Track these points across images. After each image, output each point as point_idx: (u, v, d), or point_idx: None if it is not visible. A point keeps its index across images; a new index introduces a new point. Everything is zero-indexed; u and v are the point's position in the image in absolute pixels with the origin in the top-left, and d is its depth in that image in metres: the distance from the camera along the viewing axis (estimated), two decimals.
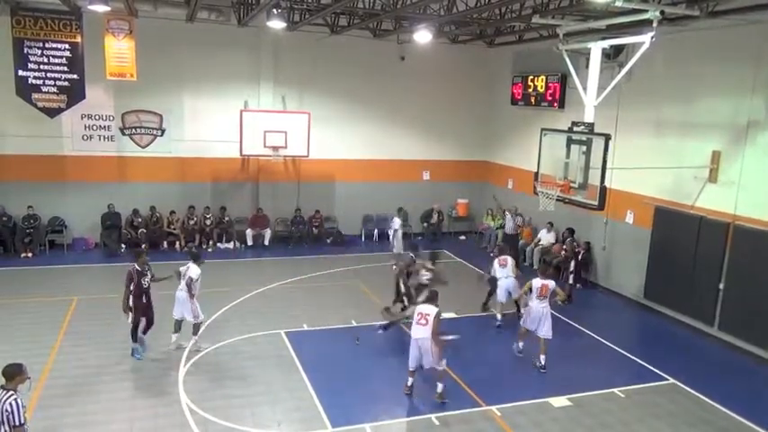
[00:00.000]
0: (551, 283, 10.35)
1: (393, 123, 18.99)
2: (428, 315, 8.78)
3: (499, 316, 12.17)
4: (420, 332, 8.77)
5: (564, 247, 15.25)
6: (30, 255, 15.43)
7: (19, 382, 5.78)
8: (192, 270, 10.08)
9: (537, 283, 10.26)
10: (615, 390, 9.65)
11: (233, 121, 16.53)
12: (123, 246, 16.31)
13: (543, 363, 10.17)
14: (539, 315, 10.22)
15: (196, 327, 10.32)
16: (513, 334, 11.35)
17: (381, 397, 9.17)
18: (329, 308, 12.58)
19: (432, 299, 9.14)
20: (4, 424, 5.59)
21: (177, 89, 16.88)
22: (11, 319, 11.32)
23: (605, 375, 10.12)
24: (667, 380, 10.10)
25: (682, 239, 12.50)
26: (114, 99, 16.32)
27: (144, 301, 9.82)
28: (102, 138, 16.46)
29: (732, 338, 11.57)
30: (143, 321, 9.97)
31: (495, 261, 12.29)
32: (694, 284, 12.26)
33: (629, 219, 14.07)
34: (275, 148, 16.58)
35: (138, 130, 16.77)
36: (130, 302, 9.71)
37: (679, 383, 9.95)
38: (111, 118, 16.46)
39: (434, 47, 17.44)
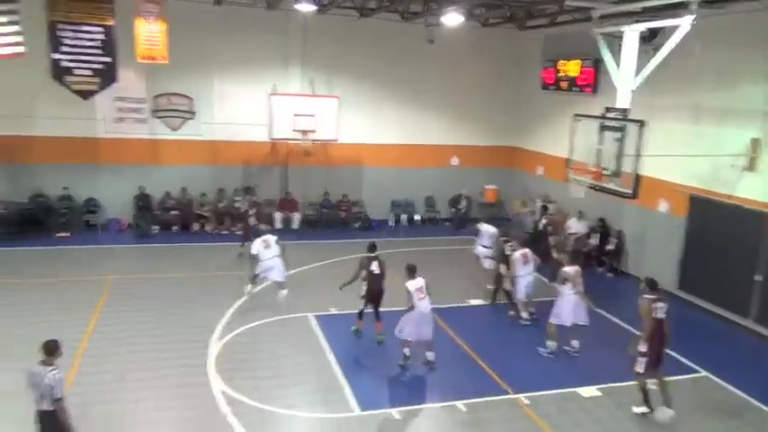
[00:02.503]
0: (578, 269, 10.23)
1: (421, 108, 18.87)
2: (422, 287, 9.29)
3: (525, 315, 11.64)
4: (426, 305, 9.25)
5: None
6: (65, 234, 15.79)
7: (57, 357, 5.94)
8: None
9: (562, 272, 10.15)
10: (647, 381, 9.51)
11: (262, 105, 16.58)
12: (155, 227, 16.59)
13: (578, 347, 10.18)
14: (573, 303, 10.01)
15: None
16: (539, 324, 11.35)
17: (408, 382, 9.22)
18: (356, 292, 12.57)
19: (413, 272, 9.41)
20: (45, 397, 5.77)
21: (207, 72, 16.99)
22: (48, 297, 11.64)
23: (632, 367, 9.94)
24: (700, 372, 9.95)
25: (717, 229, 12.23)
26: (146, 82, 16.50)
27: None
28: (134, 120, 16.69)
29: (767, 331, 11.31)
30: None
31: (517, 254, 11.49)
32: (729, 275, 11.99)
33: (663, 207, 13.79)
34: (304, 132, 16.60)
35: (170, 113, 16.95)
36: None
37: (712, 376, 9.79)
38: (143, 101, 16.67)
39: (464, 30, 17.19)
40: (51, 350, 5.92)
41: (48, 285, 12.27)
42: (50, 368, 5.83)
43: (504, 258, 11.93)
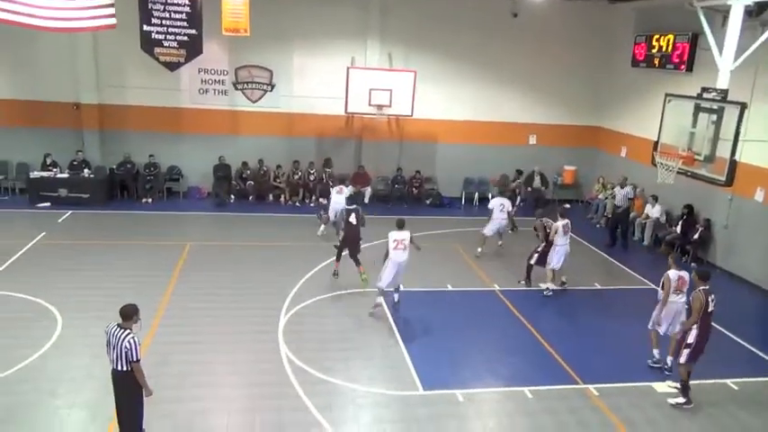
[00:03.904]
0: (686, 275, 8.96)
1: (500, 84, 18.31)
2: (404, 240, 10.15)
3: (551, 285, 11.71)
4: (401, 256, 10.12)
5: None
6: (149, 200, 16.58)
7: (134, 322, 6.20)
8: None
9: (674, 275, 8.83)
10: (727, 381, 8.96)
11: (339, 78, 16.57)
12: (232, 196, 17.10)
13: (670, 364, 9.04)
14: (674, 311, 8.92)
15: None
16: (611, 307, 10.99)
17: (474, 364, 9.09)
18: (425, 270, 12.50)
19: (402, 226, 10.36)
20: (121, 359, 6.06)
21: (287, 45, 17.17)
22: (132, 259, 12.26)
23: (717, 364, 9.29)
24: None
25: None
26: (228, 54, 16.89)
27: None
28: (216, 92, 17.18)
29: None
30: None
31: (559, 224, 11.46)
32: None
33: (759, 197, 12.80)
34: (380, 107, 16.50)
35: (250, 85, 17.32)
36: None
37: None
38: (225, 73, 17.11)
39: (550, 2, 16.45)
40: (129, 315, 6.16)
41: (132, 248, 12.92)
42: (127, 332, 6.09)
43: (545, 235, 11.86)
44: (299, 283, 11.52)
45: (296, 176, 17.48)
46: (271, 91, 17.41)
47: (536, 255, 11.99)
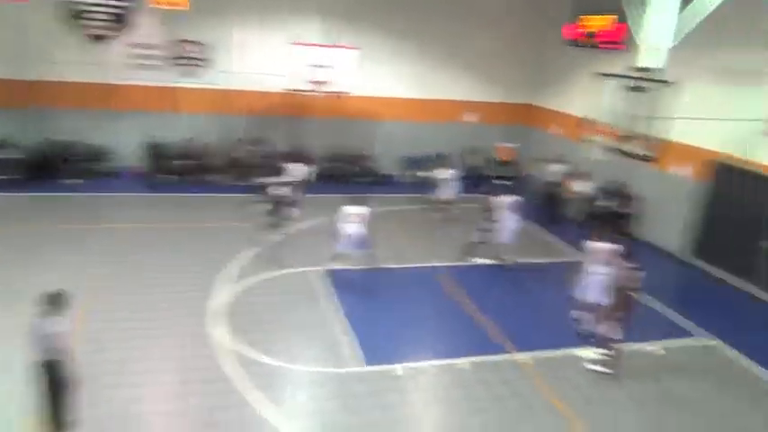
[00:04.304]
0: (612, 248, 9.00)
1: (438, 61, 18.44)
2: (359, 214, 10.79)
3: (486, 260, 12.29)
4: (354, 228, 10.78)
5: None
6: (78, 181, 15.75)
7: (61, 308, 5.95)
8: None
9: (594, 246, 9.26)
10: (648, 345, 9.46)
11: (279, 55, 16.21)
12: (168, 176, 16.53)
13: (594, 331, 9.26)
14: (598, 282, 9.02)
15: None
16: (544, 279, 11.63)
17: (414, 339, 9.27)
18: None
19: (361, 202, 11.08)
20: (45, 347, 5.81)
21: (226, 20, 16.63)
22: (58, 243, 11.67)
23: (641, 330, 9.61)
24: (710, 339, 9.88)
25: (740, 196, 11.94)
26: (163, 28, 16.18)
27: None
28: (149, 67, 16.45)
29: None
30: None
31: (507, 200, 12.01)
32: (747, 244, 11.73)
33: (684, 172, 13.43)
34: (320, 83, 16.25)
35: (185, 61, 16.71)
36: None
37: (721, 342, 9.73)
38: (159, 47, 16.40)
39: None
40: (55, 301, 5.92)
41: (58, 233, 12.27)
42: (52, 319, 5.86)
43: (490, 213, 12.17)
44: (238, 263, 11.35)
45: (234, 155, 17.07)
46: (208, 66, 16.86)
47: (479, 233, 12.20)
